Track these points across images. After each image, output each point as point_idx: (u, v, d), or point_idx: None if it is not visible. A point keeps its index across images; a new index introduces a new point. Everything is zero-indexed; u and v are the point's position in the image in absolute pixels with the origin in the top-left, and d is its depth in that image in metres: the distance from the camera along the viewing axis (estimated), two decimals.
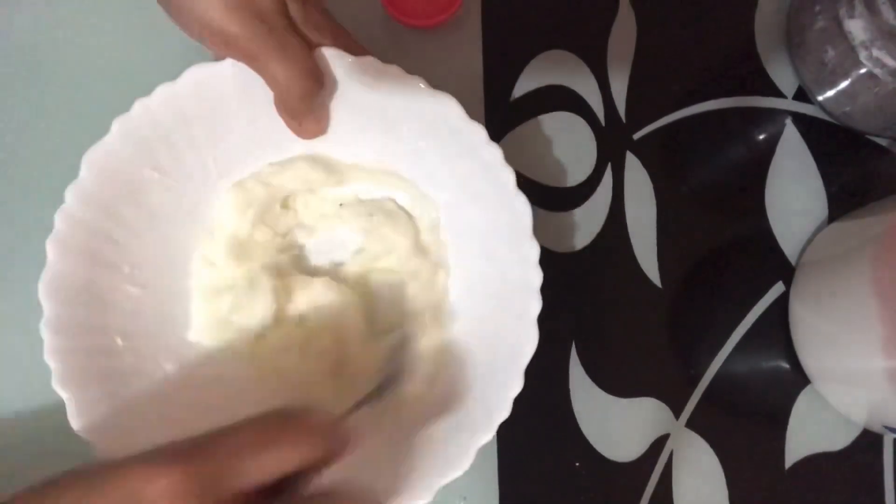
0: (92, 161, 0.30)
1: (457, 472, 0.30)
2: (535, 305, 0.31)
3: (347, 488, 0.22)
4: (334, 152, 0.35)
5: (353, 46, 0.31)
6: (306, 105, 0.30)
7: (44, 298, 0.29)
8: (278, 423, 0.22)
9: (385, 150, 0.34)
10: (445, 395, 0.33)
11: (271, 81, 0.29)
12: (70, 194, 0.30)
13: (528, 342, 0.30)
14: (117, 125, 0.30)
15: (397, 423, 0.33)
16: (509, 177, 0.31)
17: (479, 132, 0.31)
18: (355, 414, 0.27)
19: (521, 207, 0.31)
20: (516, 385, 0.30)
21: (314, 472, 0.23)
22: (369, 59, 0.30)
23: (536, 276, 0.31)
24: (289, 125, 0.31)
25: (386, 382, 0.31)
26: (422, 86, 0.31)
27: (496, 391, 0.31)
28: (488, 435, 0.30)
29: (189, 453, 0.20)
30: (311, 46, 0.29)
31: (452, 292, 0.35)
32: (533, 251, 0.31)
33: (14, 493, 0.20)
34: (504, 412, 0.30)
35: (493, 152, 0.31)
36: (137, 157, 0.31)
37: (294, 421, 0.22)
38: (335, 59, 0.30)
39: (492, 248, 0.33)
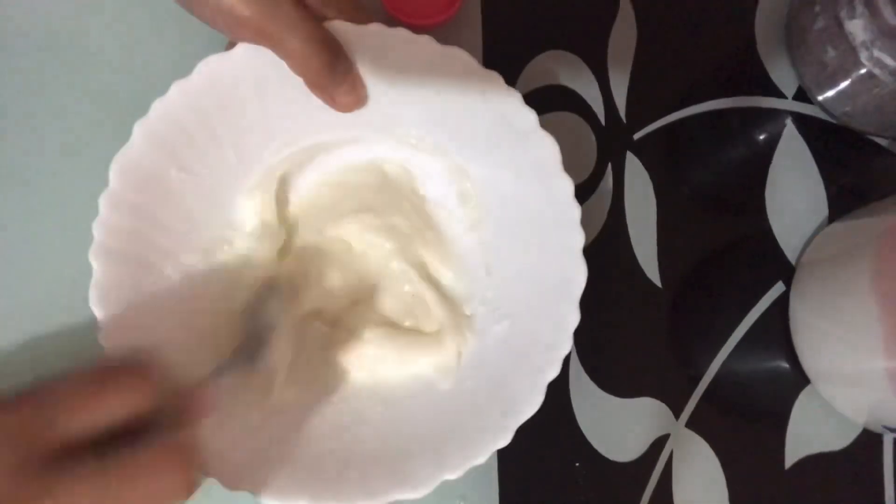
0: (119, 168, 0.30)
1: (532, 409, 0.30)
2: (579, 238, 0.30)
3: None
4: (351, 127, 0.34)
5: (358, 17, 0.31)
6: (329, 76, 0.30)
7: (95, 308, 0.29)
8: (92, 374, 0.23)
9: (398, 115, 0.33)
10: (503, 342, 0.33)
11: (288, 58, 0.29)
12: (104, 203, 0.30)
13: (577, 274, 0.30)
14: (138, 129, 0.30)
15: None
16: (530, 116, 0.30)
17: (493, 78, 0.30)
18: (218, 378, 0.27)
19: (548, 144, 0.30)
20: (573, 319, 0.30)
21: (165, 425, 0.24)
22: (375, 27, 0.30)
23: (574, 209, 0.30)
24: (324, 101, 0.31)
25: (247, 346, 0.30)
26: (431, 43, 0.30)
27: (554, 328, 0.31)
28: (554, 371, 0.30)
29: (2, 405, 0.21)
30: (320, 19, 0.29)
31: (490, 241, 0.35)
32: (566, 185, 0.30)
33: None
34: (566, 347, 0.30)
35: (510, 99, 0.30)
36: (163, 160, 0.31)
37: (109, 372, 0.23)
38: (343, 33, 0.30)
39: (523, 191, 0.32)
